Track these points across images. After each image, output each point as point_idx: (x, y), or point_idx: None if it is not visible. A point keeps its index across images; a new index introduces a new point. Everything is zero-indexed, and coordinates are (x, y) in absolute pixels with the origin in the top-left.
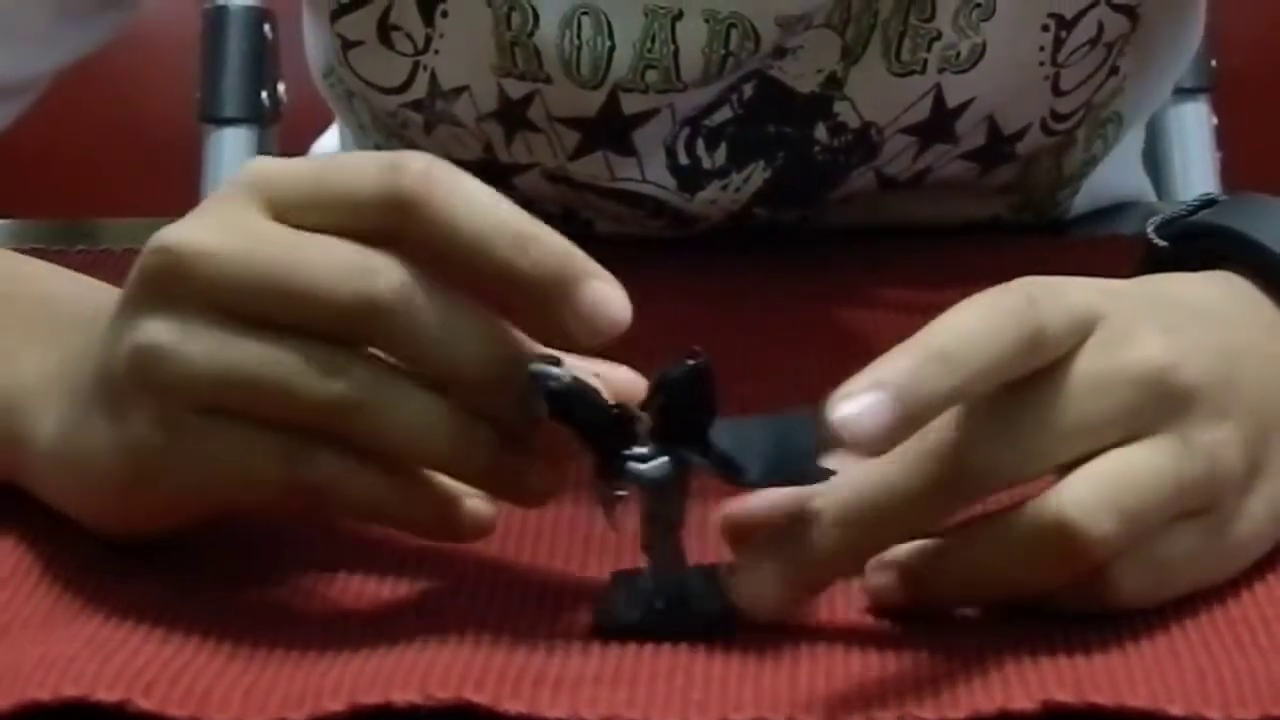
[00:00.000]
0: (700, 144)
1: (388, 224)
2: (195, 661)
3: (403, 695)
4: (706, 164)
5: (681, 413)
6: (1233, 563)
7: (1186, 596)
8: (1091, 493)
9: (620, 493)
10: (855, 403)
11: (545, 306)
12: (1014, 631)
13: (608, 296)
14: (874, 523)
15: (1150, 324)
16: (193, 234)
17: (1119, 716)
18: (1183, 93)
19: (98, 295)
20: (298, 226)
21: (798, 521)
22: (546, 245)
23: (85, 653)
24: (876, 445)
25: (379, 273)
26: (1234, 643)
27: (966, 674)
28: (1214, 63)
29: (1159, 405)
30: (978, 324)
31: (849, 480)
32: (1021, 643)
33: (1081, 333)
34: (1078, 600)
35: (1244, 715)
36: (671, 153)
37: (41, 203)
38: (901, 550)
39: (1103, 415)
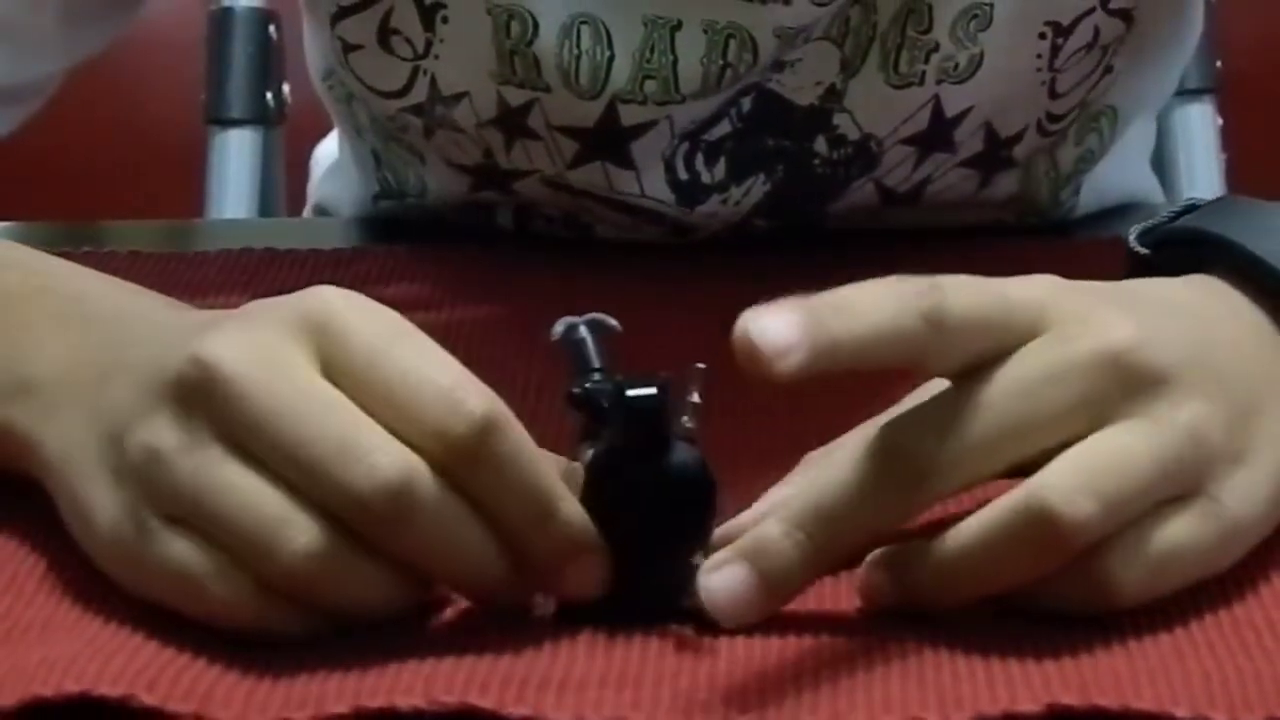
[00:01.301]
0: (699, 159)
1: (427, 448)
2: (198, 662)
3: (407, 699)
4: (706, 179)
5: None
6: (1230, 550)
7: (1191, 597)
8: (1067, 477)
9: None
10: (768, 319)
11: (544, 570)
12: (1018, 633)
13: (594, 574)
14: (834, 525)
15: (1113, 309)
16: (232, 358)
17: (1124, 719)
18: (1187, 94)
19: (123, 293)
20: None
21: (762, 527)
22: (563, 523)
23: (87, 652)
24: (784, 360)
25: (379, 474)
26: (1239, 644)
27: (971, 676)
28: (1219, 64)
29: (1122, 389)
30: (873, 290)
31: (807, 485)
32: (1026, 645)
33: (1015, 326)
34: (1079, 600)
35: (1249, 717)
36: (670, 168)
37: (46, 205)
38: (890, 548)
39: (1059, 406)
